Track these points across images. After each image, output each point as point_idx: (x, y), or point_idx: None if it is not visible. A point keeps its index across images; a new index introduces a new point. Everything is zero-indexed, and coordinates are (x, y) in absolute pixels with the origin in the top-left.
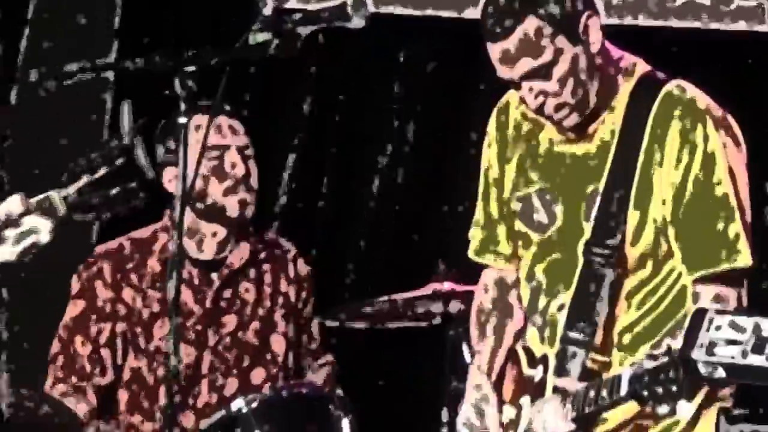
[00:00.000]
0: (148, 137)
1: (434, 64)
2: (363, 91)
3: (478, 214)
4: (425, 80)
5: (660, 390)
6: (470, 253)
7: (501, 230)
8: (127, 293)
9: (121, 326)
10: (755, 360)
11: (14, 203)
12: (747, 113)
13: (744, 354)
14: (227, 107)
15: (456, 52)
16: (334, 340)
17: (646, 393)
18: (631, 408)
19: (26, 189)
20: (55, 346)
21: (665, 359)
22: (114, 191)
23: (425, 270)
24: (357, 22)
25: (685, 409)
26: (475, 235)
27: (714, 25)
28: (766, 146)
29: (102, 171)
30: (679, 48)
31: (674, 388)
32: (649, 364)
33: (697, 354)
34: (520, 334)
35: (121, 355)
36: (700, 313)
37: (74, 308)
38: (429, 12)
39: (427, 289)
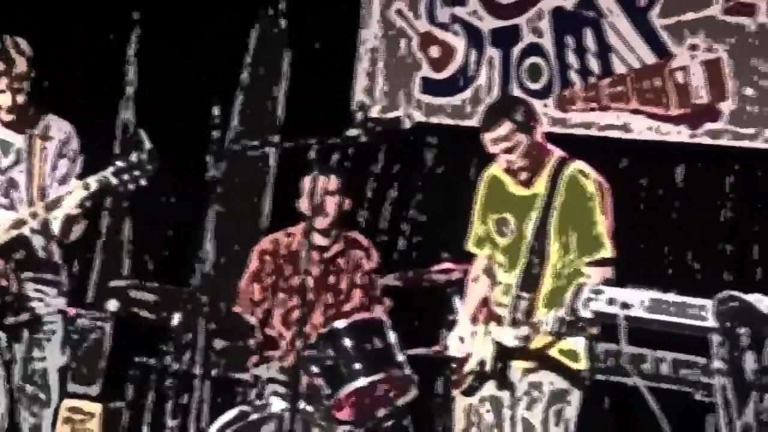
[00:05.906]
0: None
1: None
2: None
3: (472, 228)
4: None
5: (549, 327)
6: (469, 247)
7: (484, 236)
8: (280, 261)
9: (277, 279)
10: (609, 309)
11: None
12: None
13: (602, 305)
14: (333, 171)
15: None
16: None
17: (557, 329)
18: (545, 337)
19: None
20: (240, 286)
21: (563, 312)
22: (125, 176)
23: (437, 256)
24: (407, 126)
25: (572, 341)
26: (471, 237)
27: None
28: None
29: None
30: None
31: (564, 329)
32: (558, 314)
33: (578, 305)
34: (490, 291)
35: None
36: (580, 285)
37: (252, 267)
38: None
39: (439, 266)
